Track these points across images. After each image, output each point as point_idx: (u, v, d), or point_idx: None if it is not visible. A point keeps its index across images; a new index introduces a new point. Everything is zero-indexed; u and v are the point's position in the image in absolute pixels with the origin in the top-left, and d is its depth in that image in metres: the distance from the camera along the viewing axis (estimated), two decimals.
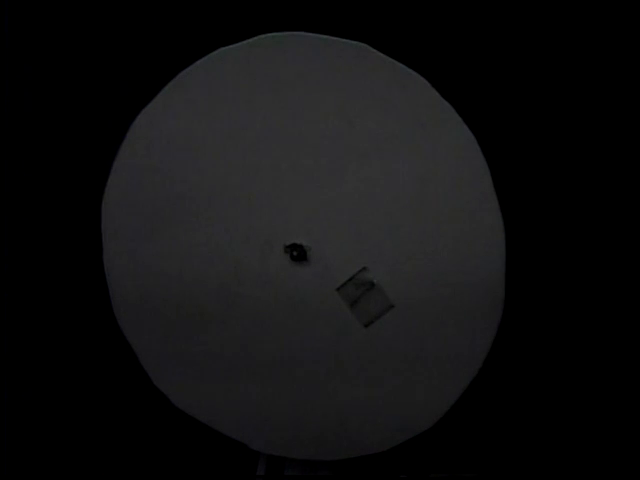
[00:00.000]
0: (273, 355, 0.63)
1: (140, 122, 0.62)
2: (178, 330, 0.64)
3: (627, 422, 0.67)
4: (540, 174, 0.67)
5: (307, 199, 0.61)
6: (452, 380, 0.61)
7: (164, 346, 0.64)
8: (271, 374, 0.63)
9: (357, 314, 0.62)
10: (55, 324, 0.69)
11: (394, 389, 0.62)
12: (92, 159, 0.74)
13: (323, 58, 0.60)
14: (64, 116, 0.75)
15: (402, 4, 0.65)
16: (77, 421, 0.69)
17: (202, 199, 0.62)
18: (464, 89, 0.65)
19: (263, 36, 0.60)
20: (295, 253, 0.60)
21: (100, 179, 0.63)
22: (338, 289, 0.62)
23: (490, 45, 0.65)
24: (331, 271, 0.61)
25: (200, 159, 0.62)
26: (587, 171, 0.67)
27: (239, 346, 0.63)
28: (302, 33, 0.60)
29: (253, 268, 0.63)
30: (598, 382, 0.68)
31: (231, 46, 0.60)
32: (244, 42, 0.60)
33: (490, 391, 0.68)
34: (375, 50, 0.59)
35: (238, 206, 0.62)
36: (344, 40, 0.59)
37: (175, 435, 0.68)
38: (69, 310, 0.69)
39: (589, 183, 0.67)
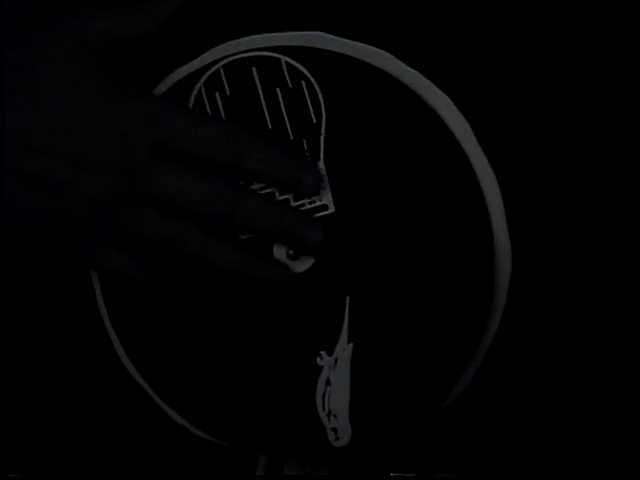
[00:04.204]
0: (283, 352, 0.62)
1: None
2: None
3: (628, 422, 0.66)
4: (543, 173, 0.65)
5: None
6: None
7: None
8: (287, 373, 0.61)
9: None
10: (46, 327, 0.69)
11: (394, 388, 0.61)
12: None
13: None
14: None
15: (402, 4, 0.64)
16: (74, 422, 0.69)
17: None
18: (465, 88, 0.63)
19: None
20: (291, 252, 0.60)
21: None
22: None
23: (492, 44, 0.63)
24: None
25: None
26: (591, 170, 0.65)
27: (237, 343, 0.62)
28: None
29: None
30: (600, 383, 0.66)
31: None
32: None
33: (492, 391, 0.66)
34: (375, 48, 0.59)
35: None
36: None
37: (174, 435, 0.67)
38: (62, 312, 0.69)
39: (594, 182, 0.65)
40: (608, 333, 0.66)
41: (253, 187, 0.58)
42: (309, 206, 0.59)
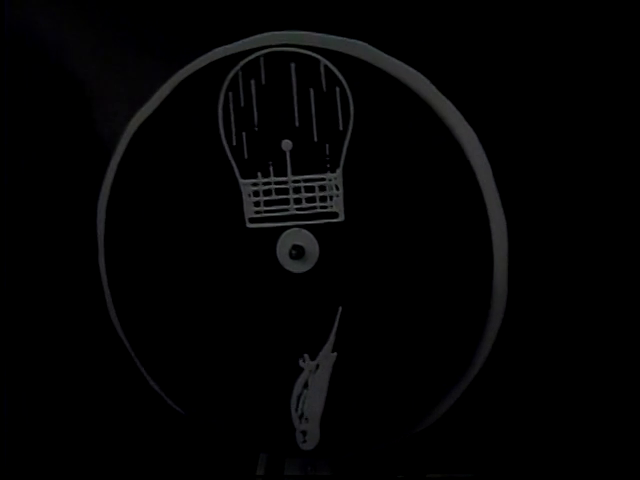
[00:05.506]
0: (268, 347, 0.62)
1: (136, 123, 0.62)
2: None
3: (627, 422, 0.66)
4: (543, 174, 0.65)
5: None
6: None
7: None
8: (268, 367, 0.62)
9: None
10: (51, 323, 0.70)
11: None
12: (89, 160, 0.75)
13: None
14: (61, 116, 0.77)
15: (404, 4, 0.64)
16: (74, 420, 0.70)
17: None
18: (466, 88, 0.62)
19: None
20: (294, 252, 0.60)
21: (96, 179, 0.63)
22: None
23: (493, 44, 0.64)
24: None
25: None
26: (592, 171, 0.64)
27: (237, 342, 0.62)
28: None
29: None
30: (599, 383, 0.67)
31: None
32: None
33: (489, 391, 0.66)
34: (375, 48, 0.58)
35: None
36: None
37: (174, 435, 0.68)
38: (66, 309, 0.70)
39: (594, 183, 0.65)
40: (605, 355, 0.66)
41: (268, 186, 0.59)
42: (320, 210, 0.59)
